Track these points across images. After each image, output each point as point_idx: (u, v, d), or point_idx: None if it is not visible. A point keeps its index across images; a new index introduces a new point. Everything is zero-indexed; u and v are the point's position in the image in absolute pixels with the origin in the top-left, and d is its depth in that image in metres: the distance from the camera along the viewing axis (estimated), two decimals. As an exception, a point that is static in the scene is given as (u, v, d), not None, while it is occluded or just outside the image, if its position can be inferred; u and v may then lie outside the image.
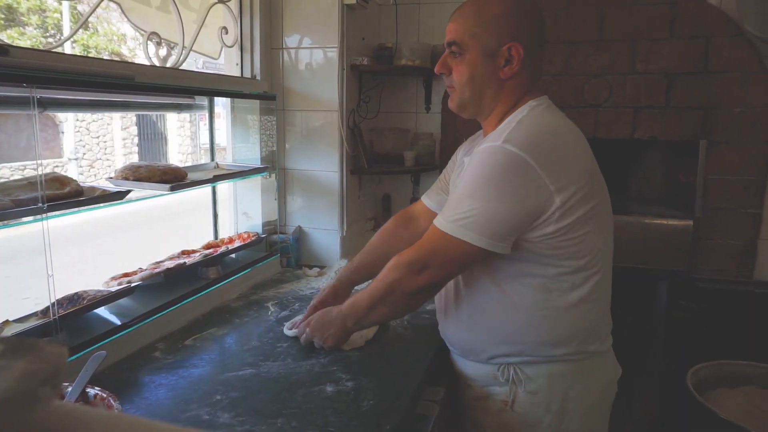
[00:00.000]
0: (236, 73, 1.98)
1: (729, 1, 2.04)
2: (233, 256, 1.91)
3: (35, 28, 8.11)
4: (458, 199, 1.11)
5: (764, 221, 2.11)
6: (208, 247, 1.85)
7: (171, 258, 1.70)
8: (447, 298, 1.29)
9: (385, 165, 2.33)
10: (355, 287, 1.57)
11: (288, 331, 1.44)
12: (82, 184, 1.23)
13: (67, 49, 5.38)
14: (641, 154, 2.46)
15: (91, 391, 0.97)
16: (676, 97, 2.12)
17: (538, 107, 1.16)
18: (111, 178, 1.41)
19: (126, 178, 1.39)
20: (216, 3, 1.79)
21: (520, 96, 1.19)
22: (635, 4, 2.12)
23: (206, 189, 1.84)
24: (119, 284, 1.43)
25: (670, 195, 2.38)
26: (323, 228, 2.11)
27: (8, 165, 7.93)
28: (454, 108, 1.27)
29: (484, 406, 1.28)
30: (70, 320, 1.24)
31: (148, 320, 1.40)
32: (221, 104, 2.04)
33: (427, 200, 1.57)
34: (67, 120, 9.49)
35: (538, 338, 1.16)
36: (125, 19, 1.54)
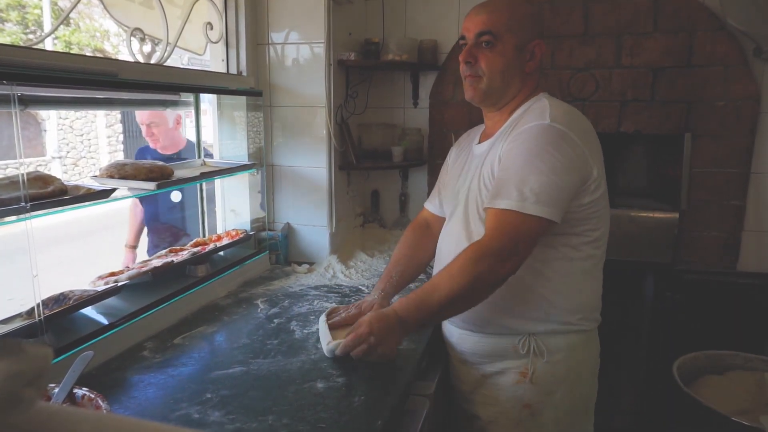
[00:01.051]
0: (222, 69, 1.96)
1: (712, -5, 2.06)
2: (222, 253, 1.90)
3: (15, 25, 7.97)
4: (521, 178, 1.14)
5: (747, 213, 2.14)
6: (196, 245, 1.83)
7: (159, 256, 1.69)
8: None
9: (374, 160, 2.33)
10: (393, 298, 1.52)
11: (329, 351, 1.27)
12: (66, 183, 1.21)
13: (49, 45, 5.29)
14: (627, 148, 2.48)
15: (79, 391, 0.96)
16: (660, 91, 2.14)
17: (552, 98, 1.30)
18: (96, 176, 1.40)
19: (111, 177, 1.37)
20: (200, -2, 1.77)
21: (533, 89, 1.33)
22: (620, -2, 2.13)
23: (193, 186, 1.83)
24: (106, 284, 1.41)
25: (655, 188, 2.41)
26: (312, 224, 2.11)
27: (-10, 164, 7.80)
28: (478, 95, 1.32)
29: (495, 382, 1.31)
30: (57, 321, 1.23)
31: (136, 319, 1.38)
32: (207, 101, 2.02)
33: (430, 206, 1.63)
34: (50, 118, 9.34)
35: (558, 306, 1.24)
36: (107, 15, 1.52)
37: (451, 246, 1.35)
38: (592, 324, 1.32)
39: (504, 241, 1.12)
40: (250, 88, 1.97)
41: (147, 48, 1.54)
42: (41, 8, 8.15)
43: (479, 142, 1.41)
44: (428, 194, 2.45)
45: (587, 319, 1.30)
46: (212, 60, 1.99)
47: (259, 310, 1.62)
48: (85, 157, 10.00)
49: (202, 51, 1.91)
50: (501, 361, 1.31)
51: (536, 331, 1.26)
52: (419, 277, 1.66)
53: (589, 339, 1.33)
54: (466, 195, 1.34)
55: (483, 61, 1.28)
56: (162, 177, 1.44)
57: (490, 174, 1.26)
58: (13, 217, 1.04)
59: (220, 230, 2.03)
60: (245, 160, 1.97)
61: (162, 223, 2.70)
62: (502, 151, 1.24)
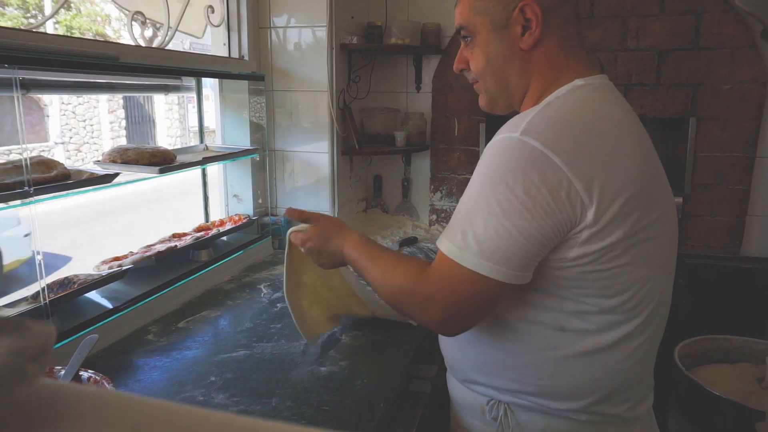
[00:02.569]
0: (224, 53, 1.95)
1: (720, -24, 2.03)
2: (225, 238, 1.91)
3: (15, 9, 7.92)
4: (468, 216, 0.83)
5: (752, 197, 2.13)
6: (199, 230, 1.84)
7: (162, 241, 1.69)
8: None
9: (376, 145, 2.32)
10: None
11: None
12: (69, 168, 1.21)
13: (50, 30, 5.26)
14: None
15: (85, 374, 0.97)
16: (666, 74, 2.12)
17: (584, 87, 0.89)
18: (98, 161, 1.40)
19: (114, 161, 1.37)
20: (201, -19, 1.75)
21: (559, 71, 0.92)
22: (626, -21, 2.10)
23: (196, 172, 1.83)
24: (110, 268, 1.42)
25: (659, 172, 2.40)
26: (314, 209, 2.10)
27: (-7, 150, 7.81)
28: (485, 107, 1.03)
29: None
30: (61, 304, 1.24)
31: (141, 303, 1.39)
32: (209, 86, 2.01)
33: None
34: (53, 103, 9.34)
35: (538, 382, 0.92)
36: (108, -2, 1.51)
37: None
38: (596, 417, 0.92)
39: (432, 289, 0.85)
40: (252, 72, 1.96)
41: (148, 32, 1.53)
42: (42, -8, 8.09)
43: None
44: (431, 179, 2.45)
45: (585, 411, 0.91)
46: (214, 44, 1.97)
47: (262, 294, 1.63)
48: (87, 142, 10.01)
49: (200, 34, 1.89)
50: (471, 419, 1.04)
51: (507, 399, 0.96)
52: None
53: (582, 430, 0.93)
54: None
55: (471, 63, 1.00)
56: (164, 162, 1.44)
57: None
58: (18, 201, 1.05)
59: (223, 215, 2.03)
60: (248, 145, 1.97)
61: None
62: None
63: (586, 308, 0.87)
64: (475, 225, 0.81)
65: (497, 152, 0.84)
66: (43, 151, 8.88)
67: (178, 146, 1.95)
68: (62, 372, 0.96)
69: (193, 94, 1.91)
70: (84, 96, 9.56)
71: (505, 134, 0.83)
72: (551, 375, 0.91)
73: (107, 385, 0.95)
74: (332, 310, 1.34)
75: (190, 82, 1.85)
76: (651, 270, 0.87)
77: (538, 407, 0.94)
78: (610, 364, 0.89)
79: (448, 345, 1.06)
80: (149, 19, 1.53)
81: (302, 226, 1.16)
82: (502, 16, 0.92)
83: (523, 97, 0.97)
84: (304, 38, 1.99)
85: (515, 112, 0.95)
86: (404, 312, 0.94)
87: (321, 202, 2.09)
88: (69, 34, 8.28)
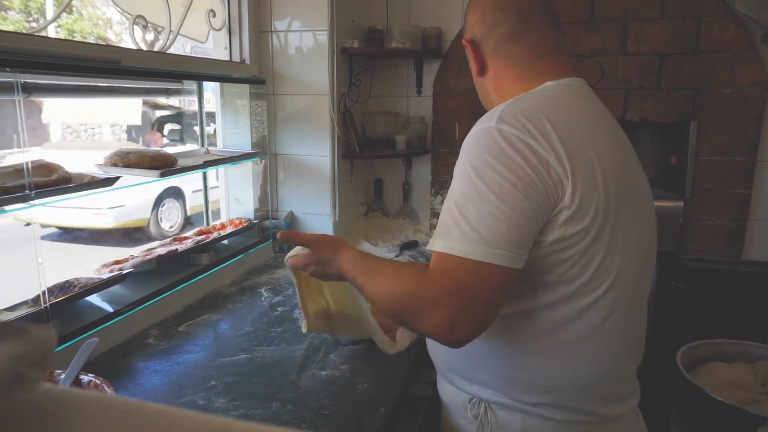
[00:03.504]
0: (225, 57, 1.95)
1: (720, -20, 2.03)
2: (225, 242, 1.91)
3: (18, 13, 7.95)
4: (458, 208, 0.82)
5: (753, 201, 2.13)
6: (200, 233, 1.84)
7: (163, 245, 1.69)
8: None
9: (377, 149, 2.32)
10: None
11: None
12: (70, 172, 1.21)
13: (51, 33, 5.27)
14: (632, 136, 2.45)
15: (85, 378, 0.97)
16: (666, 78, 2.12)
17: (553, 86, 0.94)
18: (100, 164, 1.40)
19: (115, 165, 1.37)
20: (203, -15, 1.76)
21: (516, 86, 0.97)
22: (626, -16, 2.10)
23: (197, 174, 1.83)
24: (111, 271, 1.42)
25: (660, 176, 2.39)
26: (315, 213, 2.11)
27: (-6, 153, 7.82)
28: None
29: None
30: (62, 308, 1.23)
31: (141, 307, 1.39)
32: (210, 89, 2.02)
33: None
34: (54, 106, 9.34)
35: (512, 374, 0.92)
36: (110, 3, 1.51)
37: None
38: (573, 414, 0.91)
39: (436, 289, 0.80)
40: (253, 76, 1.97)
41: (150, 36, 1.54)
42: (44, -4, 8.12)
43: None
44: (432, 183, 2.45)
45: (560, 406, 0.91)
46: (215, 48, 1.98)
47: (263, 298, 1.63)
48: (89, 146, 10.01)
49: (204, 38, 1.90)
50: (455, 418, 1.05)
51: (487, 396, 0.97)
52: None
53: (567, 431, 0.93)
54: None
55: None
56: (166, 165, 1.44)
57: None
58: (18, 205, 1.05)
59: (224, 219, 2.03)
60: (248, 149, 1.97)
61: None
62: None
63: (555, 297, 0.87)
64: (469, 215, 0.80)
65: (476, 142, 0.85)
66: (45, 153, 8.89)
67: (180, 149, 1.95)
68: (62, 376, 0.96)
69: (195, 98, 1.91)
70: (85, 99, 9.57)
71: (481, 125, 0.86)
72: (523, 367, 0.91)
73: (107, 389, 0.94)
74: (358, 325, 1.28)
75: (192, 85, 1.85)
76: (622, 259, 0.87)
77: (515, 405, 0.94)
78: (581, 355, 0.89)
79: (436, 345, 1.05)
80: (151, 22, 1.54)
81: (296, 250, 1.13)
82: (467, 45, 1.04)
83: None
84: (305, 42, 1.99)
85: None
86: (408, 322, 0.88)
87: (322, 206, 2.09)
88: (71, 38, 8.31)
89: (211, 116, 2.04)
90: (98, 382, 0.96)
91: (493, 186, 0.79)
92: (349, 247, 1.03)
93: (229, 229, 1.87)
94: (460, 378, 1.00)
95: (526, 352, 0.90)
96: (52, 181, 1.13)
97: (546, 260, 0.84)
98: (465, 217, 0.80)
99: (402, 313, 0.88)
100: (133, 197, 5.55)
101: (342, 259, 1.01)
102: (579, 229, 0.82)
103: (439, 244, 0.82)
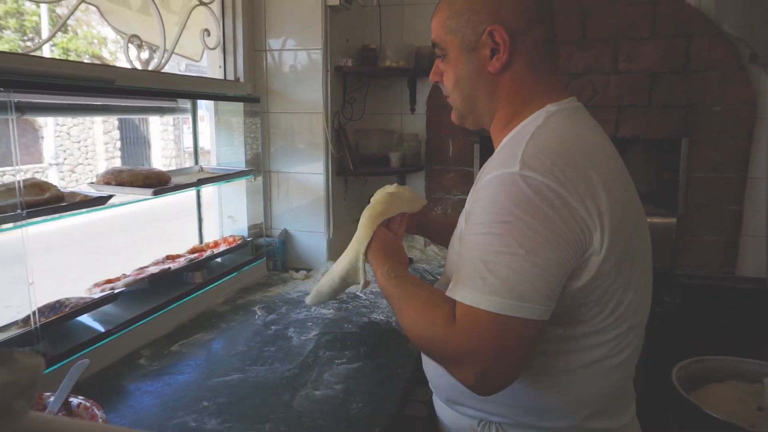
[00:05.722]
0: (219, 75, 1.96)
1: (708, 1, 2.07)
2: (219, 260, 1.90)
3: (13, 32, 7.98)
4: (484, 259, 0.78)
5: (745, 218, 2.15)
6: (193, 251, 1.83)
7: (155, 263, 1.68)
8: None
9: (371, 166, 2.33)
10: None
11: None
12: (62, 190, 1.20)
13: (47, 52, 5.29)
14: (625, 153, 2.48)
15: (74, 400, 0.95)
16: (658, 96, 2.15)
17: (557, 113, 0.90)
18: (93, 183, 1.39)
19: (108, 183, 1.37)
20: (198, 5, 1.77)
21: (529, 96, 0.93)
22: (617, 3, 2.14)
23: (190, 193, 1.82)
24: (102, 291, 1.40)
25: (653, 193, 2.41)
26: (309, 231, 2.10)
27: (-13, 171, 7.78)
28: (455, 121, 1.05)
29: None
30: (52, 328, 1.22)
31: (133, 327, 1.38)
32: (205, 107, 2.02)
33: None
34: (47, 125, 9.35)
35: (529, 403, 0.91)
36: (105, 22, 1.52)
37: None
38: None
39: (465, 346, 0.78)
40: (248, 94, 1.97)
41: (144, 55, 1.54)
42: (39, 15, 8.16)
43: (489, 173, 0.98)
44: (426, 200, 2.45)
45: (574, 427, 0.91)
46: (209, 66, 1.99)
47: (256, 316, 1.62)
48: (82, 163, 10.00)
49: (198, 57, 1.91)
50: None
51: (498, 420, 0.94)
52: None
53: None
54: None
55: (444, 77, 1.00)
56: (159, 183, 1.43)
57: (460, 227, 0.98)
58: (10, 224, 1.04)
59: (217, 236, 2.02)
60: (243, 167, 1.97)
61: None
62: (468, 209, 0.91)
63: (574, 333, 0.86)
64: (497, 268, 0.77)
65: (499, 190, 0.80)
66: (37, 172, 8.86)
67: (173, 167, 1.95)
68: (51, 398, 0.94)
69: (189, 116, 1.92)
70: (79, 117, 9.58)
71: (502, 171, 0.81)
72: (539, 396, 0.90)
73: (97, 412, 0.93)
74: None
75: (186, 103, 1.85)
76: (636, 289, 0.87)
77: (531, 426, 0.92)
78: (600, 381, 0.89)
79: (431, 367, 1.03)
80: (145, 42, 1.54)
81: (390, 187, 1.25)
82: (471, 37, 0.92)
83: (492, 119, 0.98)
84: (299, 61, 2.01)
85: (493, 128, 0.99)
86: (439, 364, 0.88)
87: (316, 224, 2.08)
88: (65, 57, 8.34)
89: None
90: (88, 404, 0.94)
91: (522, 240, 0.76)
92: (384, 260, 1.04)
93: (222, 247, 1.86)
94: (468, 404, 0.97)
95: (546, 384, 0.89)
96: (44, 200, 1.12)
97: (572, 303, 0.83)
98: (492, 270, 0.77)
99: (431, 355, 0.88)
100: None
101: (377, 271, 1.03)
102: (606, 269, 0.81)
103: (466, 296, 0.79)
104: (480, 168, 1.08)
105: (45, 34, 8.05)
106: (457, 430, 1.02)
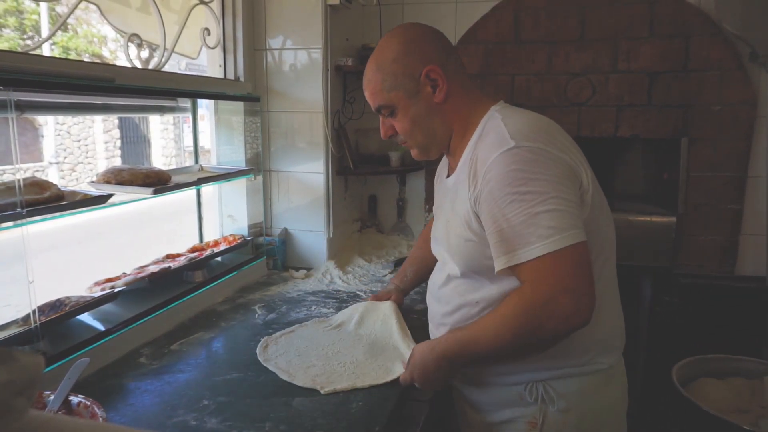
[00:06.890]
0: (219, 74, 1.96)
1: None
2: (219, 259, 1.90)
3: (12, 31, 7.97)
4: (525, 219, 0.94)
5: (745, 217, 2.15)
6: (193, 250, 1.83)
7: (156, 262, 1.68)
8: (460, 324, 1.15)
9: (371, 166, 2.33)
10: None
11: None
12: (63, 189, 1.20)
13: (46, 51, 5.28)
14: (624, 153, 2.48)
15: (75, 399, 0.95)
16: (657, 96, 2.15)
17: (505, 108, 1.11)
18: (93, 182, 1.39)
19: (108, 182, 1.37)
20: (197, 4, 1.77)
21: (472, 107, 1.13)
22: (615, 3, 2.14)
23: (191, 192, 1.82)
24: (103, 290, 1.41)
25: (653, 192, 2.41)
26: (309, 230, 2.10)
27: (-13, 170, 7.78)
28: (418, 157, 1.21)
29: (502, 431, 1.16)
30: (53, 327, 1.22)
31: (133, 326, 1.38)
32: (205, 106, 2.02)
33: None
34: (47, 123, 9.34)
35: (566, 346, 1.02)
36: (105, 21, 1.52)
37: (436, 282, 1.25)
38: (610, 359, 1.11)
39: (548, 289, 0.92)
40: (248, 93, 1.97)
41: (144, 53, 1.54)
42: (39, 14, 8.15)
43: (448, 175, 1.21)
44: (426, 200, 2.46)
45: (602, 354, 1.09)
46: (209, 65, 1.99)
47: (256, 315, 1.62)
48: (82, 162, 9.99)
49: (195, 54, 1.91)
50: (508, 410, 1.14)
51: (542, 377, 1.09)
52: None
53: (607, 379, 1.12)
54: (445, 233, 1.17)
55: (398, 129, 1.17)
56: (159, 182, 1.44)
57: (466, 215, 1.07)
58: (10, 223, 1.04)
59: (217, 235, 2.02)
60: (243, 166, 1.97)
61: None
62: (477, 193, 1.03)
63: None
64: (538, 219, 0.93)
65: (509, 163, 0.98)
66: (37, 171, 8.86)
67: (173, 166, 1.95)
68: (51, 397, 0.94)
69: (189, 115, 1.92)
70: (79, 116, 9.58)
71: (501, 150, 0.99)
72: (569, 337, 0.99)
73: (97, 410, 0.93)
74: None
75: (186, 102, 1.86)
76: (608, 222, 1.10)
77: (571, 372, 1.08)
78: (607, 303, 1.09)
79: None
80: (145, 40, 1.54)
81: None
82: (411, 85, 1.11)
83: (450, 139, 1.16)
84: (299, 60, 2.01)
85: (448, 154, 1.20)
86: (537, 339, 0.96)
87: (316, 223, 2.08)
88: (65, 56, 8.33)
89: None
90: (88, 403, 0.94)
91: (543, 189, 0.94)
92: (434, 341, 1.13)
93: (222, 246, 1.86)
94: (514, 369, 1.10)
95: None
96: (43, 199, 1.12)
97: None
98: (536, 222, 0.93)
99: (524, 332, 0.96)
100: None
101: (436, 348, 1.09)
102: (594, 204, 1.02)
103: (521, 255, 0.95)
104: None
105: (45, 33, 8.04)
106: (501, 403, 1.15)
